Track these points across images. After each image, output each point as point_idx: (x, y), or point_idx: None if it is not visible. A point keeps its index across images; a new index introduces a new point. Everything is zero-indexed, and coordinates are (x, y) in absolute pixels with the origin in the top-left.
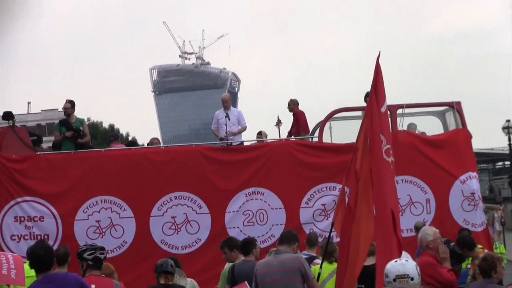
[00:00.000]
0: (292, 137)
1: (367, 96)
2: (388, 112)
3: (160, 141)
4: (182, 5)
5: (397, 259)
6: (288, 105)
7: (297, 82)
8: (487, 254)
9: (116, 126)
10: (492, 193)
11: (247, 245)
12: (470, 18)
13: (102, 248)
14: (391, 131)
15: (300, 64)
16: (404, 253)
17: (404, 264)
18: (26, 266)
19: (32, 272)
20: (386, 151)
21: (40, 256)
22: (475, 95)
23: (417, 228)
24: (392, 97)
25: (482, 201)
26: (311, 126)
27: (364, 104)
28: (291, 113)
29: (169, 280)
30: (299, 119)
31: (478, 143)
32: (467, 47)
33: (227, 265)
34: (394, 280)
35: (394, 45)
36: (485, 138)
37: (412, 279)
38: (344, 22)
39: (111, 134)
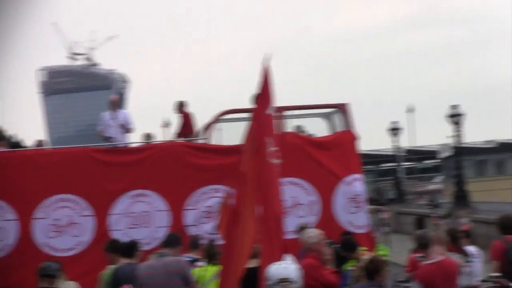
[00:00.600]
0: (180, 138)
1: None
2: (276, 114)
3: (46, 142)
4: (72, 6)
5: (279, 262)
6: (175, 106)
7: (188, 83)
8: (374, 256)
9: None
10: (377, 194)
11: (130, 248)
12: (360, 21)
13: None
14: (278, 133)
15: (191, 66)
16: (287, 256)
17: (286, 267)
18: None
19: None
20: (272, 153)
21: None
22: (363, 97)
23: (301, 230)
24: (281, 99)
25: (367, 203)
26: (199, 128)
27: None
28: (179, 115)
29: (52, 283)
30: (187, 121)
31: (365, 145)
32: (358, 49)
33: (109, 268)
34: (276, 283)
35: (285, 47)
36: (372, 140)
37: (294, 282)
38: (236, 24)
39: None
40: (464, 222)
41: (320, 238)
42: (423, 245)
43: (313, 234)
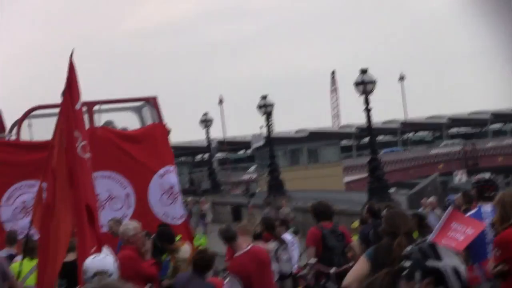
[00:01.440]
0: None
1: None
2: (85, 109)
3: None
4: None
5: (96, 255)
6: None
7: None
8: (203, 249)
9: None
10: (192, 185)
11: None
12: (167, 13)
13: None
14: (88, 127)
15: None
16: (104, 249)
17: (101, 259)
18: None
19: None
20: (82, 147)
21: None
22: (175, 89)
23: (116, 223)
24: (89, 94)
25: (181, 194)
26: (9, 125)
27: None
28: None
29: None
30: None
31: (178, 137)
32: (166, 41)
33: None
34: (93, 276)
35: (91, 40)
36: (186, 132)
37: (110, 275)
38: (37, 18)
39: None
40: (286, 211)
41: (138, 230)
42: (228, 238)
43: (131, 226)
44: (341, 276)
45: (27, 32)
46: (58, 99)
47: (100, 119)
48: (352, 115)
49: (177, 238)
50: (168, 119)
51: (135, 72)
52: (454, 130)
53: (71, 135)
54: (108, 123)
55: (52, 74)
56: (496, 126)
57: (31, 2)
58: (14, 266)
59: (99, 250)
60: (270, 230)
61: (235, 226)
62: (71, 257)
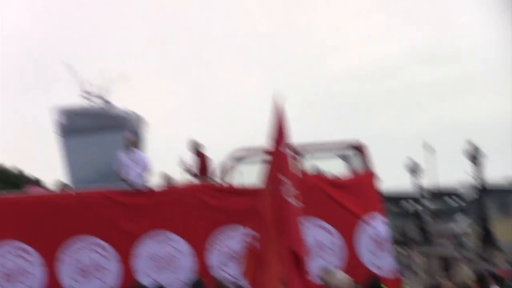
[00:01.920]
0: (197, 180)
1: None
2: (292, 154)
3: (66, 184)
4: (85, 45)
5: None
6: (190, 146)
7: (203, 123)
8: None
9: (22, 170)
10: (401, 235)
11: None
12: (369, 57)
13: None
14: (295, 173)
15: (207, 106)
16: None
17: None
18: None
19: None
20: (291, 193)
21: None
22: (378, 134)
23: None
24: (296, 138)
25: (392, 244)
26: (215, 168)
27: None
28: (195, 155)
29: None
30: (204, 163)
31: (384, 184)
32: (367, 86)
33: None
34: None
35: (298, 85)
36: (391, 179)
37: None
38: (247, 63)
39: (30, 179)
40: (499, 263)
41: (349, 282)
42: None
43: (343, 278)
44: None
45: (236, 78)
46: (264, 143)
47: (307, 165)
48: None
49: None
50: (376, 166)
51: (343, 116)
52: None
53: (279, 180)
54: (316, 169)
55: (259, 117)
56: None
57: (247, 43)
58: None
59: None
60: (482, 284)
61: (444, 280)
62: None
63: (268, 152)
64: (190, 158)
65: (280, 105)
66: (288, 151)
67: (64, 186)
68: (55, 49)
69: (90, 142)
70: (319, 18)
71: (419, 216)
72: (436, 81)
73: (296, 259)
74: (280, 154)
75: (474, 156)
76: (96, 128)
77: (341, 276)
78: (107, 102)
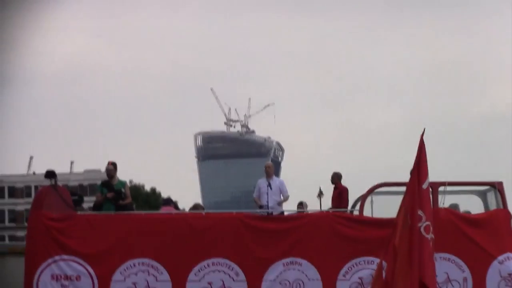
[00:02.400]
0: (333, 209)
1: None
2: (430, 189)
3: (202, 206)
4: (229, 72)
5: None
6: (332, 178)
7: (340, 154)
8: None
9: (158, 190)
10: None
11: None
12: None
13: None
14: (432, 208)
15: (344, 137)
16: None
17: None
18: None
19: None
20: (425, 227)
21: None
22: None
23: None
24: (434, 175)
25: None
26: (352, 200)
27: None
28: (333, 186)
29: None
30: (342, 195)
31: None
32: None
33: None
34: None
35: (438, 121)
36: None
37: None
38: (391, 97)
39: (166, 198)
40: None
41: None
42: None
43: None
44: None
45: (381, 108)
46: (400, 177)
47: (444, 201)
48: None
49: None
50: (511, 206)
51: (480, 157)
52: None
53: (415, 214)
54: (453, 206)
55: (394, 154)
56: None
57: (391, 78)
58: None
59: None
60: None
61: None
62: None
63: (408, 186)
64: (329, 188)
65: (422, 141)
66: (426, 186)
67: (197, 207)
68: (203, 77)
69: (227, 167)
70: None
71: None
72: None
73: None
74: (419, 188)
75: None
76: (233, 154)
77: None
78: (249, 129)
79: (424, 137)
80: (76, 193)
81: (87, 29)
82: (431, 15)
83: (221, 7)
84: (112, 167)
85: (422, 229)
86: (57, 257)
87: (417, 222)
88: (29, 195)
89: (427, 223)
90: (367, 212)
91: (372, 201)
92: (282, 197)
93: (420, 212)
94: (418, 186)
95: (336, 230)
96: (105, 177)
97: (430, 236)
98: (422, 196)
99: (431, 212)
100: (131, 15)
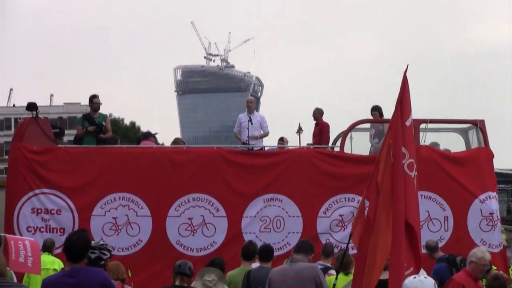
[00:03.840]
0: (313, 145)
1: (373, 109)
2: (412, 126)
3: (182, 141)
4: (210, 7)
5: (415, 276)
6: (314, 113)
7: (320, 91)
8: (498, 274)
9: (137, 124)
10: (510, 214)
11: (268, 252)
12: (496, 35)
13: (106, 249)
14: (415, 145)
15: (324, 74)
16: (422, 270)
17: (422, 281)
18: (42, 257)
19: (48, 265)
20: (409, 165)
21: (75, 246)
22: (498, 114)
23: (428, 247)
24: (415, 113)
25: (500, 222)
26: (333, 136)
27: (383, 117)
28: (314, 122)
29: (185, 282)
30: (323, 131)
31: (499, 163)
32: (490, 65)
33: (240, 269)
34: None
35: (419, 60)
36: (507, 158)
37: None
38: (374, 34)
39: (145, 132)
40: None
41: (482, 261)
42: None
43: (480, 254)
44: None
45: (356, 48)
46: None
47: (425, 138)
48: None
49: (494, 268)
50: (492, 144)
51: (461, 94)
52: None
53: (398, 151)
54: (434, 145)
55: (379, 88)
56: None
57: (371, 12)
58: (329, 279)
59: (416, 271)
60: None
61: None
62: (386, 275)
63: (391, 122)
64: (310, 124)
65: (405, 78)
66: (410, 123)
67: (178, 142)
68: (183, 11)
69: (207, 101)
70: None
71: None
72: None
73: (409, 230)
74: (402, 125)
75: None
76: (213, 88)
77: (481, 253)
78: (228, 64)
79: (406, 74)
80: (57, 126)
81: None
82: None
83: None
84: (100, 101)
85: (405, 166)
86: (37, 191)
87: (400, 159)
88: (8, 127)
89: (411, 160)
90: (347, 149)
91: (351, 137)
92: (262, 133)
93: (403, 149)
94: (401, 123)
95: (317, 167)
96: (85, 110)
97: (413, 173)
98: (406, 133)
99: (415, 149)
100: None
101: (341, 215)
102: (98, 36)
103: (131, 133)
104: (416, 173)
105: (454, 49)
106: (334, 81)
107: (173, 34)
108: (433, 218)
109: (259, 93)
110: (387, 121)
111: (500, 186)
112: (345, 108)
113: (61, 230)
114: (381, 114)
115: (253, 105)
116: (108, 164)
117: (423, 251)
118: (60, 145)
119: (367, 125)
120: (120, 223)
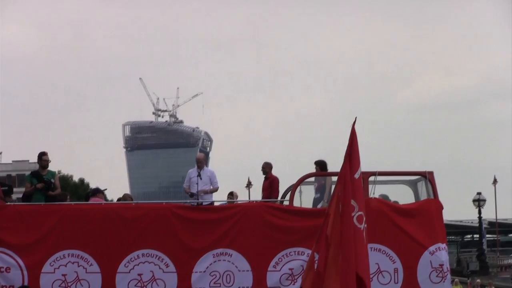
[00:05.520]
0: (263, 200)
1: (315, 163)
2: (362, 179)
3: (130, 197)
4: (158, 63)
5: None
6: (263, 168)
7: (270, 144)
8: None
9: (86, 180)
10: (459, 265)
11: None
12: (447, 89)
13: None
14: (364, 197)
15: (273, 127)
16: None
17: None
18: None
19: None
20: (358, 217)
21: None
22: (447, 166)
23: None
24: (364, 164)
25: (450, 273)
26: (282, 189)
27: (334, 170)
28: (264, 176)
29: None
30: (273, 185)
31: (448, 215)
32: (441, 118)
33: None
34: None
35: (369, 111)
36: (455, 210)
37: None
38: (320, 86)
39: (94, 189)
40: None
41: None
42: None
43: None
44: None
45: (304, 99)
46: (331, 168)
47: (374, 190)
48: None
49: None
50: (441, 196)
51: (410, 146)
52: None
53: (348, 204)
54: (384, 197)
55: (327, 140)
56: None
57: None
58: None
59: None
60: None
61: None
62: None
63: (340, 175)
64: (259, 178)
65: (354, 130)
66: (359, 175)
67: (126, 198)
68: (132, 67)
69: (156, 157)
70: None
71: (480, 248)
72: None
73: (359, 283)
74: (351, 178)
75: None
76: (162, 144)
77: None
78: (177, 119)
79: (355, 127)
80: (5, 183)
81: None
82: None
83: None
84: (48, 158)
85: (355, 219)
86: None
87: (349, 212)
88: None
89: (360, 213)
90: (296, 203)
91: (301, 191)
92: (211, 187)
93: (353, 202)
94: (350, 176)
95: (266, 221)
96: (33, 167)
97: (363, 226)
98: (355, 185)
99: (364, 202)
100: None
101: (291, 269)
102: (46, 93)
103: (80, 190)
104: (365, 225)
105: (404, 100)
106: (284, 134)
107: (121, 91)
108: (383, 270)
109: (208, 148)
110: (335, 174)
111: (450, 237)
112: (295, 161)
113: None
114: (322, 169)
115: (202, 163)
116: (57, 221)
117: None
118: (8, 203)
119: (321, 180)
120: (70, 280)
